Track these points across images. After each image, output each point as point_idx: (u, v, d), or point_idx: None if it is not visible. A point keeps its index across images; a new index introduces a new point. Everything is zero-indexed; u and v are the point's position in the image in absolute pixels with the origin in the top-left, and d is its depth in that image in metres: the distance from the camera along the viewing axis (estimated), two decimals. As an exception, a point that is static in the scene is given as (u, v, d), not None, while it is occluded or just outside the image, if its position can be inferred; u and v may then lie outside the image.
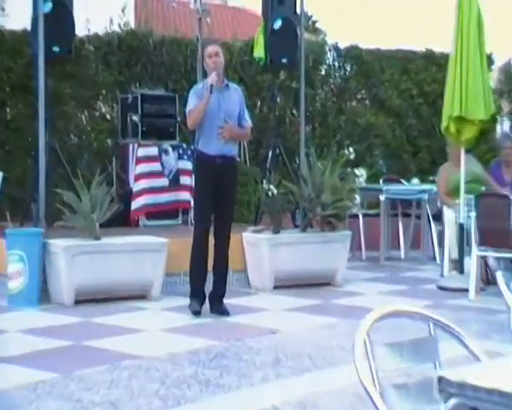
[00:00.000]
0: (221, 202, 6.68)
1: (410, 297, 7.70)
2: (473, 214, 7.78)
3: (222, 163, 6.66)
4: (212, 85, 6.52)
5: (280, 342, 6.17)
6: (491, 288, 7.81)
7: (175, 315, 6.92)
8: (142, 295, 7.45)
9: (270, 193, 8.34)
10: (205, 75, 10.35)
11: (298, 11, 9.50)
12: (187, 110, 6.72)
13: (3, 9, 11.59)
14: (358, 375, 2.46)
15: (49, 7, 8.13)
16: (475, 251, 7.68)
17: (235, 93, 6.87)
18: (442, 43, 12.03)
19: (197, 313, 6.68)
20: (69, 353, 5.76)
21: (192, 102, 6.67)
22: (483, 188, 8.62)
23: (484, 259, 8.11)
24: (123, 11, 12.08)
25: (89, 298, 7.18)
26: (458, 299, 7.56)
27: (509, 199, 7.60)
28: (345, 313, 7.04)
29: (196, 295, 6.74)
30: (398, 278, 8.90)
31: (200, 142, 6.74)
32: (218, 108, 6.64)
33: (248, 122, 6.94)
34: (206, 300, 6.80)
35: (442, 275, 8.46)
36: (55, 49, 8.30)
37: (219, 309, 6.78)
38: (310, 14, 25.17)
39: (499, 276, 3.12)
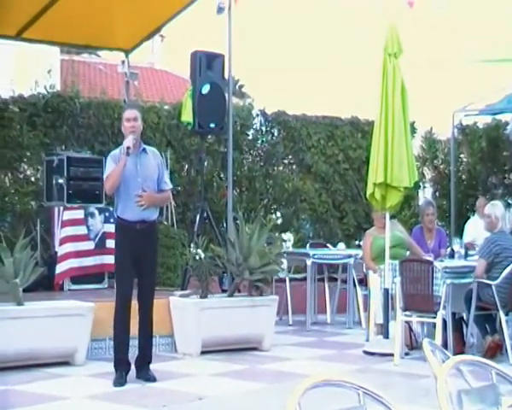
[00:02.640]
0: (143, 267, 6.62)
1: (337, 362, 7.72)
2: (397, 279, 7.90)
3: (141, 228, 6.58)
4: (128, 148, 6.47)
5: (207, 408, 6.10)
6: (416, 352, 7.92)
7: (100, 381, 6.78)
8: (66, 362, 7.28)
9: (197, 257, 8.31)
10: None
11: (226, 76, 9.61)
12: (104, 176, 6.69)
13: None
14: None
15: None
16: (400, 316, 7.78)
17: (153, 156, 6.80)
18: (367, 112, 12.37)
19: (121, 386, 6.54)
20: (-12, 423, 5.56)
21: (110, 167, 6.60)
22: (407, 252, 8.79)
23: (408, 323, 8.22)
24: (49, 73, 12.05)
25: (11, 365, 6.96)
26: (384, 363, 7.61)
27: (431, 264, 7.76)
28: (272, 379, 7.02)
29: (120, 364, 6.62)
30: (325, 343, 8.92)
31: (118, 207, 6.66)
32: (135, 173, 6.59)
33: (168, 185, 6.93)
34: (132, 365, 6.69)
35: (367, 339, 8.53)
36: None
37: (146, 375, 6.68)
38: (236, 78, 25.57)
39: (425, 343, 3.16)
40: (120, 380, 6.54)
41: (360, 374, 7.04)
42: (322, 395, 2.78)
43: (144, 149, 6.76)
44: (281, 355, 8.05)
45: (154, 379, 6.64)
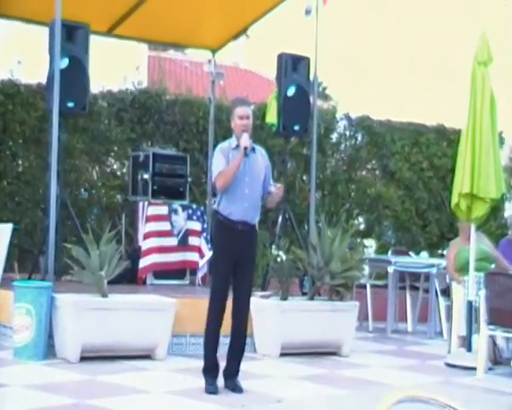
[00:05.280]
0: (241, 270, 6.31)
1: (417, 373, 7.60)
2: (482, 292, 7.72)
3: (243, 229, 6.30)
4: (245, 148, 6.20)
5: (285, 411, 6.07)
6: (500, 368, 7.73)
7: (180, 377, 6.83)
8: (147, 355, 7.36)
9: (278, 259, 8.29)
10: (215, 137, 10.51)
11: (311, 79, 9.58)
12: (214, 171, 6.29)
13: (19, 62, 11.72)
14: None
15: (65, 63, 8.21)
16: (484, 330, 7.60)
17: (261, 157, 6.49)
18: (453, 120, 12.15)
19: (215, 394, 6.29)
20: (72, 411, 5.65)
21: (220, 163, 6.26)
22: (492, 266, 8.59)
23: (492, 338, 8.03)
24: (137, 69, 12.22)
25: (94, 355, 7.08)
26: (466, 377, 7.45)
27: (518, 278, 7.56)
28: (351, 385, 6.94)
29: (212, 370, 6.36)
30: (405, 352, 8.80)
31: (221, 204, 6.33)
32: (243, 172, 6.28)
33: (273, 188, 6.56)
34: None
35: (449, 351, 8.37)
36: (70, 104, 8.36)
37: (233, 385, 6.42)
38: (320, 80, 25.51)
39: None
40: (213, 387, 6.29)
41: (442, 387, 6.91)
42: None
43: (253, 149, 6.44)
44: (360, 362, 7.96)
45: (240, 390, 6.36)
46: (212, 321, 6.32)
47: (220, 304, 6.28)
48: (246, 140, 6.24)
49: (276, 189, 6.46)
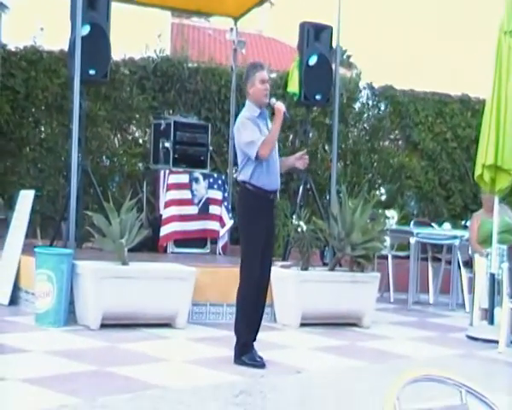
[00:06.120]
0: (269, 239, 6.25)
1: (438, 345, 7.56)
2: (505, 265, 7.64)
3: (273, 198, 6.24)
4: (285, 112, 6.10)
5: (305, 382, 6.06)
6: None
7: (200, 346, 6.84)
8: (167, 323, 7.38)
9: (299, 229, 8.25)
10: (237, 105, 10.43)
11: (333, 47, 9.48)
12: (247, 140, 6.03)
13: (42, 29, 11.69)
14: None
15: (86, 30, 8.17)
16: (507, 303, 7.53)
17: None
18: (478, 89, 11.99)
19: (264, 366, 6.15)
20: (93, 378, 5.67)
21: (255, 131, 6.03)
22: (516, 239, 8.50)
23: (515, 311, 7.96)
24: (159, 37, 12.15)
25: (114, 322, 7.11)
26: (488, 350, 7.40)
27: (543, 251, 7.48)
28: (372, 357, 6.91)
29: (251, 345, 6.20)
30: (427, 324, 8.76)
31: (254, 175, 6.08)
32: None
33: None
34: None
35: (471, 324, 8.31)
36: (91, 71, 8.33)
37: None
38: (344, 48, 25.29)
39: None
40: (261, 359, 6.17)
41: (463, 360, 6.88)
42: (421, 387, 2.66)
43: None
44: (381, 333, 7.94)
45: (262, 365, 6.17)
46: (252, 293, 6.14)
47: (256, 287, 6.13)
48: (281, 105, 6.13)
49: (302, 159, 6.35)
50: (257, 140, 6.03)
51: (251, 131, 6.05)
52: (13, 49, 10.32)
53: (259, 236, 6.12)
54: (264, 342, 6.86)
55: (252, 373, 6.00)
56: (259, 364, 6.15)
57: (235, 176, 6.32)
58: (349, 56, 27.84)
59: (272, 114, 6.25)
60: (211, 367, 6.12)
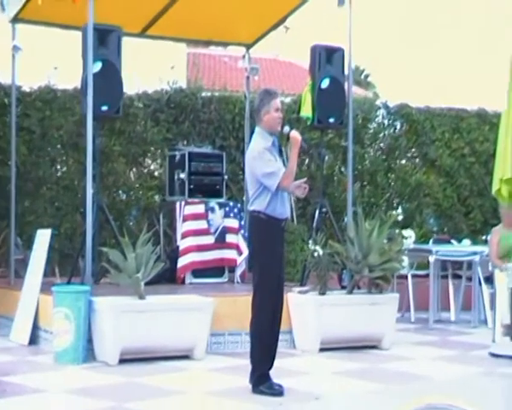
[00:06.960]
0: (283, 267, 6.32)
1: (460, 364, 7.47)
2: (525, 279, 7.56)
3: (284, 226, 6.26)
4: (301, 142, 6.09)
5: (325, 408, 6.01)
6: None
7: (219, 376, 6.82)
8: (185, 355, 7.37)
9: (316, 253, 8.22)
10: (252, 132, 10.38)
11: (346, 70, 9.47)
12: (269, 170, 5.96)
13: (56, 68, 11.85)
14: None
15: (98, 66, 8.25)
16: (528, 317, 7.44)
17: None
18: (495, 102, 11.91)
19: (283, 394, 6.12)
20: (111, 415, 5.68)
21: (273, 162, 6.01)
22: (536, 252, 8.41)
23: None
24: (172, 69, 12.27)
25: (133, 357, 7.12)
26: (510, 367, 7.30)
27: None
28: (393, 379, 6.83)
29: (268, 375, 6.16)
30: (448, 342, 8.67)
31: (270, 205, 6.06)
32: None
33: None
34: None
35: (494, 340, 8.20)
36: (104, 107, 8.39)
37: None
38: (362, 68, 25.30)
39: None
40: (279, 386, 6.13)
41: (485, 378, 6.79)
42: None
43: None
44: (401, 354, 7.86)
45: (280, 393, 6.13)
46: (267, 323, 6.12)
47: (272, 315, 6.14)
48: (297, 133, 6.11)
49: (301, 188, 6.24)
50: (278, 171, 6.01)
51: (270, 162, 6.02)
52: (27, 90, 10.45)
53: (275, 264, 6.12)
54: (283, 369, 6.84)
55: (270, 401, 5.96)
56: (277, 392, 6.10)
57: (253, 208, 6.19)
58: (367, 76, 27.82)
59: (287, 139, 6.21)
60: (230, 397, 6.10)
